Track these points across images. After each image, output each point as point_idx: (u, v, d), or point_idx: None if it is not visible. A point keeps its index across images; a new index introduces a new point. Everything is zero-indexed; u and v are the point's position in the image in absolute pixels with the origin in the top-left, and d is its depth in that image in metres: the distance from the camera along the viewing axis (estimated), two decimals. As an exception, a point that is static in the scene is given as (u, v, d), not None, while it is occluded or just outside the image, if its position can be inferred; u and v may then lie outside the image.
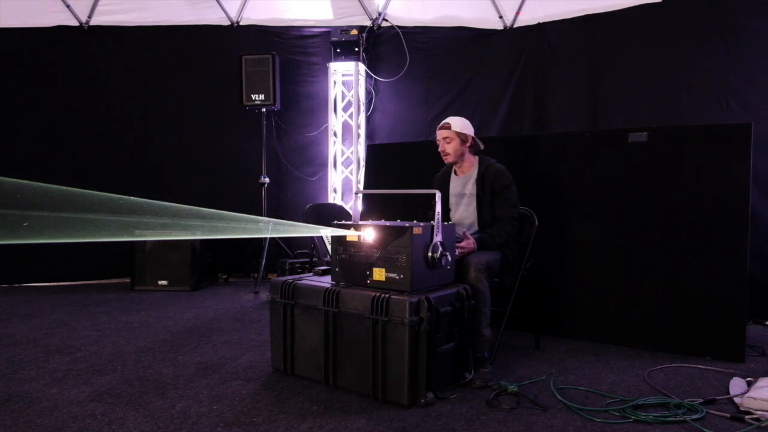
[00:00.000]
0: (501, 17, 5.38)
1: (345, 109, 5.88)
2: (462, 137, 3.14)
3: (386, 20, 5.72)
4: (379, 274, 2.60)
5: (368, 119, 5.86)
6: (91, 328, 3.80)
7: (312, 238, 4.80)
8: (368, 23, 5.73)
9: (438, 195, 2.65)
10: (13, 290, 5.28)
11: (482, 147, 3.22)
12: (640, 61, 4.67)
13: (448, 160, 3.20)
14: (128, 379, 2.78)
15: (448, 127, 3.14)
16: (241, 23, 5.81)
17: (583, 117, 4.96)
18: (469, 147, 3.19)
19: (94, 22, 5.64)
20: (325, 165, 5.86)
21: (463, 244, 2.93)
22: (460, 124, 3.15)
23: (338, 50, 5.60)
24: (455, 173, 3.29)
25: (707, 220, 3.20)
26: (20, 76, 5.55)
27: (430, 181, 3.43)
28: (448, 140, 3.14)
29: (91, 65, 5.65)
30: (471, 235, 3.11)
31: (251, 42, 5.69)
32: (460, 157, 3.18)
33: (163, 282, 5.14)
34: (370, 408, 2.43)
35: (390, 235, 2.57)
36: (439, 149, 3.19)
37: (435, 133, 3.23)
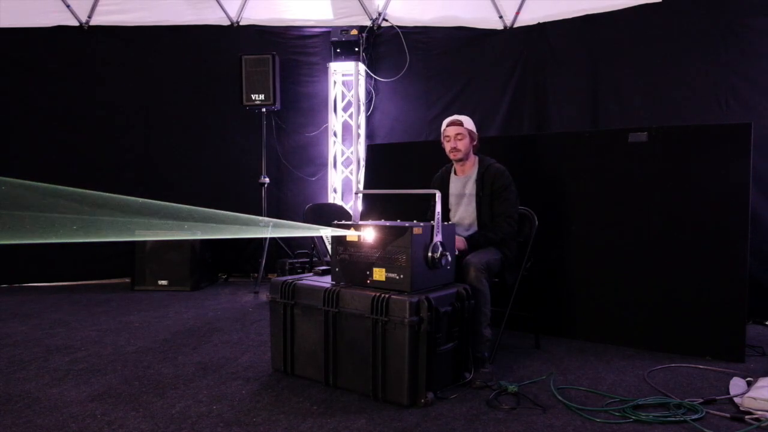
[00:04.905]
0: (501, 17, 5.37)
1: (345, 109, 5.88)
2: (472, 135, 3.15)
3: (386, 20, 5.72)
4: (379, 274, 2.60)
5: (368, 119, 5.86)
6: (91, 328, 3.80)
7: (312, 238, 4.80)
8: (368, 23, 5.72)
9: (438, 195, 2.65)
10: (13, 290, 5.27)
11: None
12: (640, 61, 4.67)
13: (457, 156, 3.15)
14: (128, 379, 2.78)
15: (460, 123, 3.11)
16: (241, 23, 5.80)
17: (583, 117, 4.96)
18: (474, 146, 3.19)
19: (94, 22, 5.63)
20: (325, 165, 5.85)
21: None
22: (469, 121, 3.15)
23: (338, 50, 5.60)
24: (455, 173, 3.29)
25: (707, 220, 3.20)
26: (20, 76, 5.54)
27: (429, 181, 3.42)
28: (460, 137, 3.11)
29: (91, 65, 5.64)
30: (467, 236, 3.12)
31: (251, 42, 5.69)
32: (467, 155, 3.18)
33: (163, 282, 5.14)
34: (370, 408, 2.43)
35: (390, 235, 2.57)
36: (449, 145, 3.14)
37: (442, 129, 3.18)
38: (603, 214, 3.55)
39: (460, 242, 2.93)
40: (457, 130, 3.11)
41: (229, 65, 5.54)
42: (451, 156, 3.18)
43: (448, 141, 3.15)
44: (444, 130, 3.17)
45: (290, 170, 5.86)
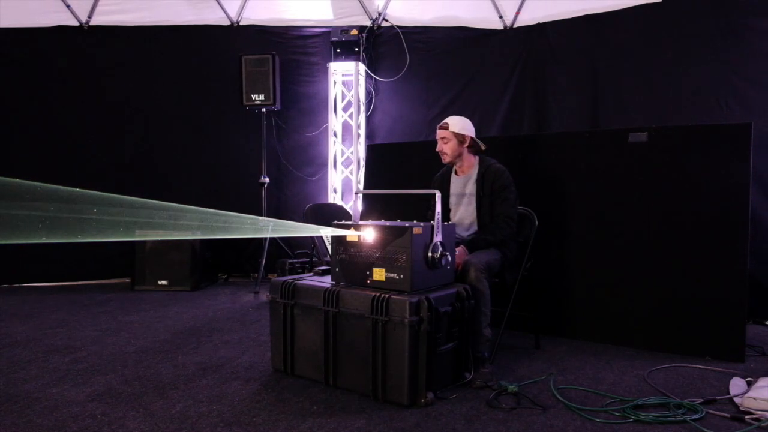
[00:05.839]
0: (501, 17, 5.38)
1: (345, 109, 5.88)
2: (459, 138, 3.13)
3: (386, 20, 5.72)
4: (379, 274, 2.60)
5: (368, 119, 5.86)
6: (91, 328, 3.80)
7: (312, 238, 4.80)
8: (368, 23, 5.73)
9: (438, 195, 2.65)
10: (13, 290, 5.28)
11: (483, 147, 3.21)
12: (640, 61, 4.67)
13: (445, 160, 3.20)
14: (128, 379, 2.78)
15: (446, 127, 3.14)
16: (241, 23, 5.81)
17: (583, 117, 4.96)
18: (469, 147, 3.18)
19: (94, 22, 5.64)
20: (325, 165, 5.85)
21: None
22: (458, 124, 3.14)
23: (338, 50, 5.60)
24: (455, 173, 3.29)
25: (707, 220, 3.20)
26: (20, 76, 5.54)
27: (430, 181, 3.43)
28: (445, 140, 3.15)
29: (91, 65, 5.65)
30: (468, 236, 3.12)
31: (251, 42, 5.69)
32: (458, 157, 3.18)
33: (163, 282, 5.14)
34: (370, 408, 2.43)
35: (390, 235, 2.57)
36: (437, 149, 3.20)
37: (435, 132, 3.22)
38: (603, 214, 3.55)
39: (461, 255, 2.91)
40: (442, 134, 3.15)
41: (229, 65, 5.54)
42: (441, 159, 3.21)
43: (437, 144, 3.18)
44: (436, 133, 3.21)
45: (290, 170, 5.86)
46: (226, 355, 3.18)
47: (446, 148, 3.15)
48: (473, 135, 3.16)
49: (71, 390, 2.63)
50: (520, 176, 3.28)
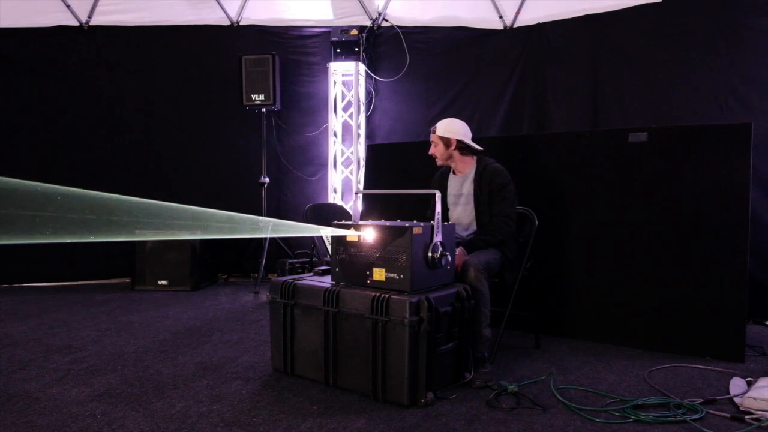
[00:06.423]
0: (501, 17, 5.38)
1: (345, 109, 5.88)
2: (445, 141, 3.15)
3: (386, 20, 5.72)
4: (379, 274, 2.60)
5: (368, 119, 5.86)
6: (91, 328, 3.80)
7: (312, 238, 4.79)
8: (368, 23, 5.73)
9: (438, 195, 2.65)
10: (13, 290, 5.27)
11: (479, 149, 3.20)
12: (640, 61, 4.67)
13: (437, 162, 3.26)
14: (128, 379, 2.78)
15: (434, 131, 3.19)
16: (241, 23, 5.81)
17: (583, 117, 4.96)
18: (460, 149, 3.18)
19: (94, 22, 5.63)
20: (325, 165, 5.85)
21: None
22: (444, 127, 3.16)
23: (338, 50, 5.60)
24: (454, 173, 3.30)
25: (707, 220, 3.20)
26: (20, 76, 5.54)
27: (429, 181, 3.43)
28: (434, 144, 3.20)
29: (91, 65, 5.65)
30: (467, 235, 3.12)
31: (251, 42, 5.69)
32: (449, 159, 3.21)
33: (163, 282, 5.14)
34: (370, 408, 2.43)
35: (390, 235, 2.57)
36: (429, 152, 3.24)
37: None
38: (603, 214, 3.55)
39: (460, 256, 2.90)
40: (432, 137, 3.21)
41: (229, 65, 5.54)
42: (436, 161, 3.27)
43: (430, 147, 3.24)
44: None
45: (290, 170, 5.86)
46: (226, 355, 3.18)
47: (436, 152, 3.21)
48: (461, 137, 3.14)
49: (71, 390, 2.63)
50: (520, 176, 3.28)
